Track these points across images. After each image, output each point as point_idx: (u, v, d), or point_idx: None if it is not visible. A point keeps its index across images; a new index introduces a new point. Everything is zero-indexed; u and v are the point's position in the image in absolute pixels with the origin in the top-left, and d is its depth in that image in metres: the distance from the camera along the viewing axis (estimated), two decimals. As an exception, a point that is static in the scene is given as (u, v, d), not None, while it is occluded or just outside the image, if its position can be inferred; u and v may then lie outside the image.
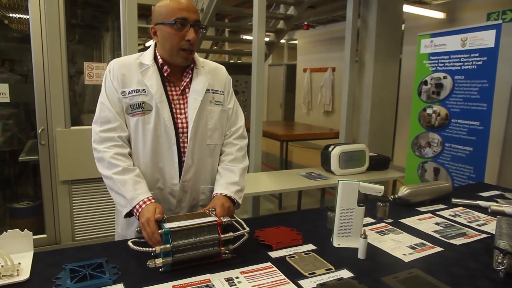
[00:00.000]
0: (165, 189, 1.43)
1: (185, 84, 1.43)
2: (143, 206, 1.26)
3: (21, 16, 3.31)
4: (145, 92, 1.38)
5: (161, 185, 1.42)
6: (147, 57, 1.43)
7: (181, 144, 1.41)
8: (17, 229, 1.18)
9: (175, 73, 1.44)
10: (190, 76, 1.44)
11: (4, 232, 1.16)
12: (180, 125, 1.40)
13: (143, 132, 1.38)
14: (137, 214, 1.26)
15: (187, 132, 1.40)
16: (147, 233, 1.18)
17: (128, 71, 1.40)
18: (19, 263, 1.10)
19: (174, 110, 1.41)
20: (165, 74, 1.41)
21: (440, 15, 5.99)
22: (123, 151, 1.37)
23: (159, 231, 1.13)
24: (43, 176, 2.96)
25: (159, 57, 1.42)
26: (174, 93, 1.42)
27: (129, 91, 1.38)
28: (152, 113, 1.37)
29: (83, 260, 1.15)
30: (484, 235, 1.49)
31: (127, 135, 1.40)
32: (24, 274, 1.07)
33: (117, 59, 1.43)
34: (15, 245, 1.17)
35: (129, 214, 1.31)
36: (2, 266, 1.06)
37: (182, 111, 1.42)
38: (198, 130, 1.42)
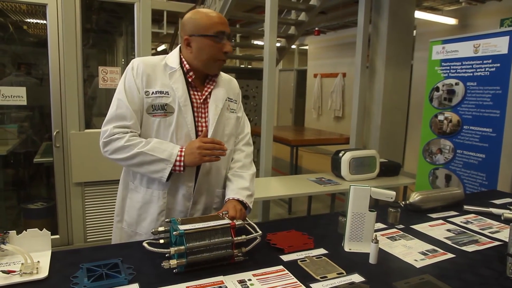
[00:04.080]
0: (180, 191, 1.47)
1: (209, 90, 1.50)
2: (182, 152, 1.36)
3: (39, 21, 3.38)
4: (168, 94, 1.42)
5: (177, 186, 1.46)
6: (172, 60, 1.46)
7: None
8: (36, 229, 1.21)
9: (198, 79, 1.50)
10: (215, 84, 1.51)
11: (24, 231, 1.19)
12: (200, 128, 1.46)
13: (163, 133, 1.42)
14: (181, 161, 1.36)
15: (206, 136, 1.45)
16: (210, 145, 1.35)
17: (153, 72, 1.43)
18: (38, 262, 1.13)
19: (196, 114, 1.46)
20: (190, 80, 1.46)
21: (452, 21, 5.96)
22: (135, 136, 1.41)
23: (173, 232, 1.15)
24: (57, 178, 3.01)
25: (185, 62, 1.46)
26: (197, 97, 1.48)
27: (153, 92, 1.41)
28: (174, 116, 1.41)
29: (99, 260, 1.18)
30: (497, 243, 1.48)
31: (139, 134, 1.43)
32: (43, 272, 1.10)
33: (141, 58, 1.46)
34: (34, 244, 1.20)
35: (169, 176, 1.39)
36: (22, 264, 1.09)
37: (203, 115, 1.48)
38: (216, 135, 1.48)
